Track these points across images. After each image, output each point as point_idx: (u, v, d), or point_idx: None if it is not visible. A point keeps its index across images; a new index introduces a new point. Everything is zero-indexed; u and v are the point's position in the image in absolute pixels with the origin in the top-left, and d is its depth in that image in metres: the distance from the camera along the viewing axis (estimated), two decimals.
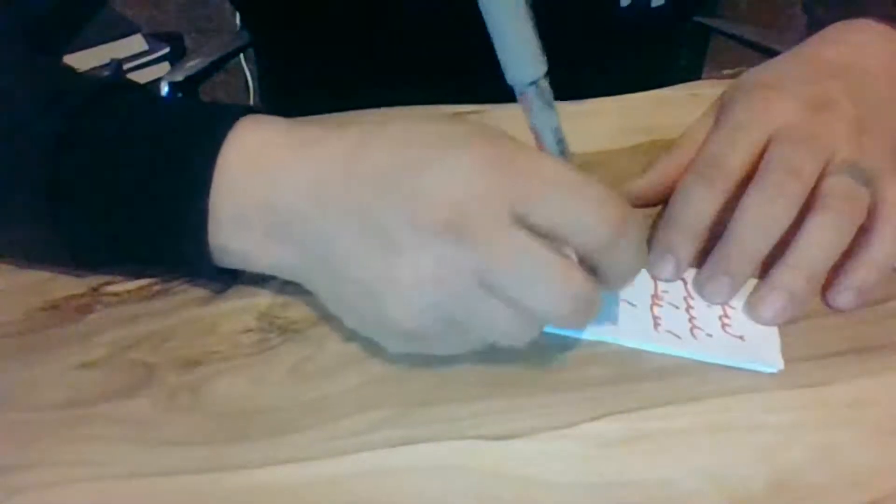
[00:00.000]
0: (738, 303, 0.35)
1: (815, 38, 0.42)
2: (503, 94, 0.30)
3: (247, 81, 1.58)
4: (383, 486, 0.28)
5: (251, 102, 1.57)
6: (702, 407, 0.30)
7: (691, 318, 0.34)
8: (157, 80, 0.82)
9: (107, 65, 1.34)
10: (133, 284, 0.35)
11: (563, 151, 0.31)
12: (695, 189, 0.36)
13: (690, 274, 0.36)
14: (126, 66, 1.38)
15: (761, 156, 0.35)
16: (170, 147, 0.31)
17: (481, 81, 0.36)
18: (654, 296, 0.35)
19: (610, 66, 0.57)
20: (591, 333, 0.33)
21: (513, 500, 0.27)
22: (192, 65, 0.81)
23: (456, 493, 0.27)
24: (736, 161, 0.35)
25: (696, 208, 0.35)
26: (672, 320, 0.34)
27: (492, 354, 0.30)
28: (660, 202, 0.39)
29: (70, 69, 0.35)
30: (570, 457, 0.29)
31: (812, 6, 0.55)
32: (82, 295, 0.35)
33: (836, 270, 0.35)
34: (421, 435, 0.29)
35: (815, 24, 0.44)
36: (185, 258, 0.32)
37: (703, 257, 0.35)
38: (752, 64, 0.42)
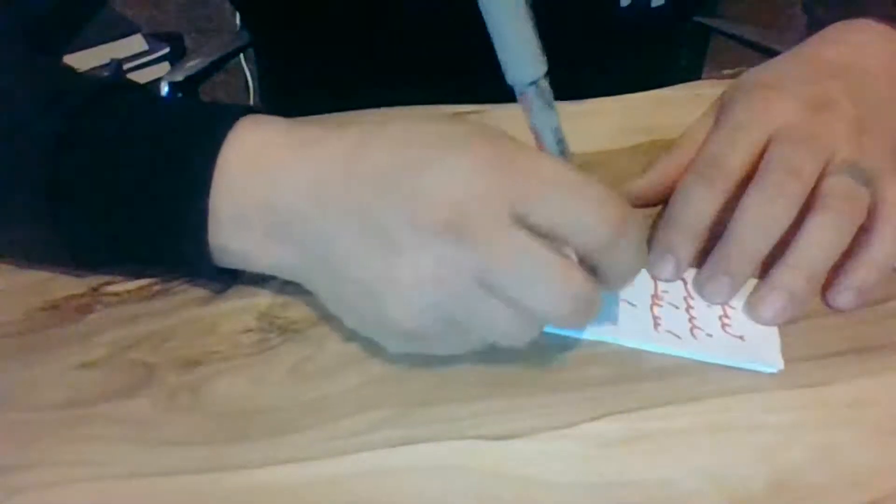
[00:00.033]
0: (738, 303, 0.35)
1: (815, 38, 0.42)
2: (503, 94, 0.30)
3: (247, 81, 1.58)
4: (383, 486, 0.28)
5: (251, 102, 1.57)
6: (702, 407, 0.30)
7: (691, 318, 0.34)
8: (157, 80, 0.82)
9: (107, 65, 1.34)
10: (133, 284, 0.35)
11: (563, 151, 0.31)
12: (695, 189, 0.36)
13: (690, 274, 0.36)
14: (126, 66, 1.38)
15: (761, 156, 0.35)
16: (170, 147, 0.31)
17: (481, 81, 0.36)
18: (654, 296, 0.35)
19: (610, 66, 0.56)
20: (591, 333, 0.33)
21: (513, 500, 0.27)
22: (192, 65, 0.81)
23: (456, 493, 0.27)
24: (736, 161, 0.35)
25: (696, 208, 0.35)
26: (672, 320, 0.34)
27: (492, 354, 0.30)
28: (660, 202, 0.39)
29: (70, 69, 0.35)
30: (570, 457, 0.29)
31: (812, 6, 0.55)
32: (82, 295, 0.35)
33: (836, 270, 0.35)
34: (421, 435, 0.29)
35: (815, 24, 0.44)
36: (185, 258, 0.32)
37: (703, 257, 0.35)
38: (752, 64, 0.42)
